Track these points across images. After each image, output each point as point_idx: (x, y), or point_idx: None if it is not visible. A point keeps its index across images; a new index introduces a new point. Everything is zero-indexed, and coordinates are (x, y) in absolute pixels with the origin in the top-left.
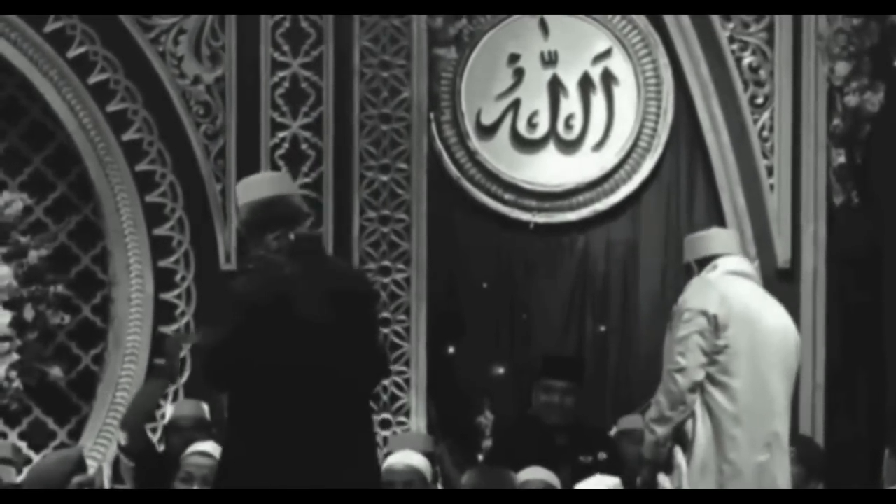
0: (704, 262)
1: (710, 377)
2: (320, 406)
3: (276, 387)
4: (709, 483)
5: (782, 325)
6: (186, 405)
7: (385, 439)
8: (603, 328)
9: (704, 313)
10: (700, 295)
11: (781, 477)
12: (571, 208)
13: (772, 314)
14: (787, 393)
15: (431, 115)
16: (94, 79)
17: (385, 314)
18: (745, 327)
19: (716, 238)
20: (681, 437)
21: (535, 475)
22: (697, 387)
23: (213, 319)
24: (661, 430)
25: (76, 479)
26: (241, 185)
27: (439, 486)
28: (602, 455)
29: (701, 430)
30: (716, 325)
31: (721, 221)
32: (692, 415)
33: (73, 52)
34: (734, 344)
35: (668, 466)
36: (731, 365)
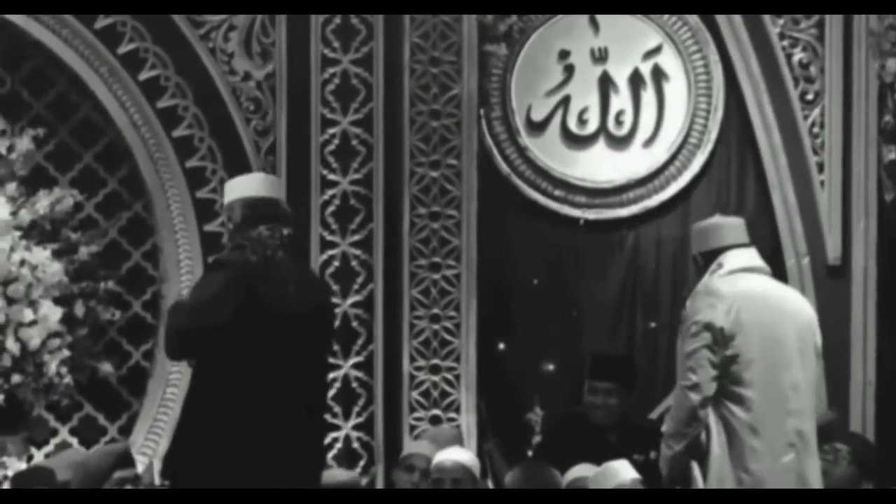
0: (710, 254)
1: (722, 389)
2: (273, 390)
3: (236, 364)
4: None
5: (793, 311)
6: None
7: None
8: (653, 324)
9: (710, 327)
10: (705, 308)
11: (811, 475)
12: (621, 205)
13: (782, 303)
14: (810, 384)
15: (481, 112)
16: (144, 75)
17: (435, 310)
18: (754, 332)
19: (722, 229)
20: (697, 452)
21: (584, 473)
22: (710, 401)
23: (196, 283)
24: (677, 446)
25: (118, 475)
26: (233, 182)
27: (489, 483)
28: (654, 454)
29: (716, 443)
30: (723, 337)
31: (771, 218)
32: (706, 428)
33: (123, 49)
34: (745, 352)
35: (686, 481)
36: (744, 374)
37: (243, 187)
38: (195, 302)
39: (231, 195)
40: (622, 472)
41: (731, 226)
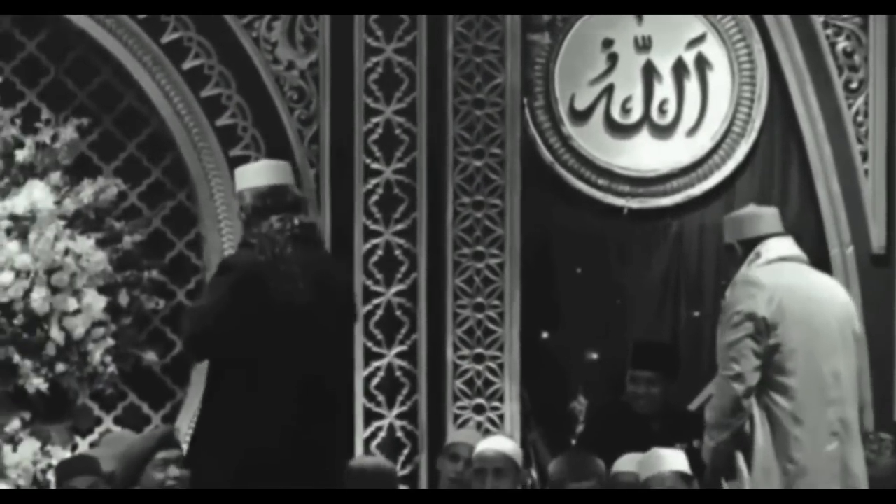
0: (748, 243)
1: (765, 378)
2: (291, 387)
3: (253, 363)
4: (774, 485)
5: (832, 299)
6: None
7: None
8: (697, 313)
9: (752, 317)
10: (746, 297)
11: (855, 464)
12: (665, 193)
13: (822, 292)
14: (853, 373)
15: (525, 101)
16: (188, 64)
17: (479, 299)
18: (796, 321)
19: (759, 218)
20: (740, 442)
21: (630, 467)
22: (753, 391)
23: (206, 287)
24: (720, 437)
25: (161, 455)
26: (242, 170)
27: (533, 473)
28: (697, 442)
29: (760, 433)
30: (766, 326)
31: (815, 207)
32: (750, 418)
33: (167, 38)
34: (787, 342)
35: (730, 471)
36: (787, 363)
37: (252, 176)
38: (204, 307)
39: (240, 184)
40: (669, 460)
41: (768, 215)
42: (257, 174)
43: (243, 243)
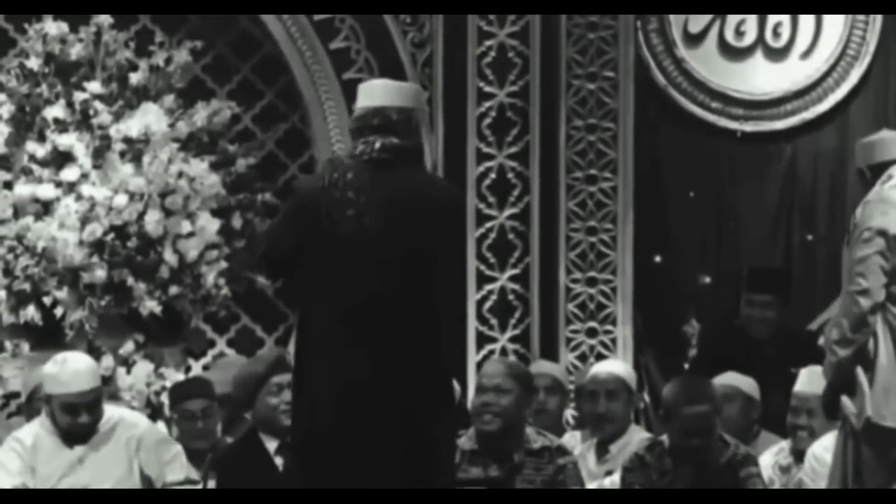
0: (878, 168)
1: (891, 296)
2: (341, 318)
3: (311, 285)
4: (893, 405)
5: None
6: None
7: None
8: (810, 237)
9: (884, 233)
10: (879, 214)
11: None
12: (779, 117)
13: None
14: None
15: (638, 23)
16: None
17: (591, 223)
18: None
19: (891, 143)
20: (863, 359)
21: (729, 380)
22: (879, 308)
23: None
24: (843, 352)
25: (275, 379)
26: (361, 87)
27: (645, 396)
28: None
29: (883, 351)
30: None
31: None
32: (874, 335)
33: None
34: None
35: (851, 388)
36: None
37: (358, 96)
38: (267, 229)
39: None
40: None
41: None
42: (361, 94)
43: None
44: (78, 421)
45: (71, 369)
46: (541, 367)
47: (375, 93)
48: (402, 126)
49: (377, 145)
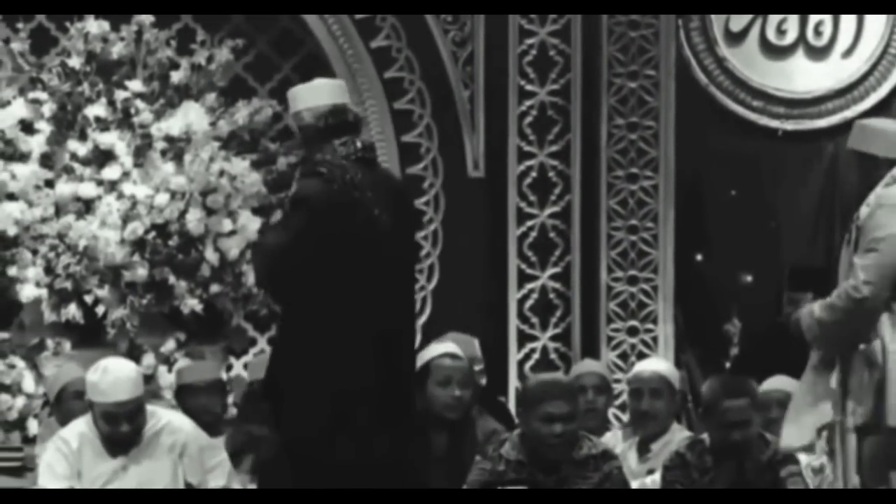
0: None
1: None
2: (378, 321)
3: (337, 292)
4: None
5: None
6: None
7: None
8: None
9: None
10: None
11: None
12: (820, 115)
13: None
14: None
15: (680, 22)
16: None
17: (633, 221)
18: None
19: None
20: (868, 359)
21: (780, 385)
22: (883, 309)
23: (279, 222)
24: (832, 317)
25: None
26: (297, 90)
27: (687, 395)
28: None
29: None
30: None
31: None
32: (881, 338)
33: None
34: None
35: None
36: None
37: (310, 96)
38: (282, 244)
39: (298, 104)
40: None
41: None
42: (316, 93)
43: (309, 172)
44: (118, 430)
45: (111, 378)
46: (587, 366)
47: (338, 90)
48: (361, 123)
49: (359, 144)
